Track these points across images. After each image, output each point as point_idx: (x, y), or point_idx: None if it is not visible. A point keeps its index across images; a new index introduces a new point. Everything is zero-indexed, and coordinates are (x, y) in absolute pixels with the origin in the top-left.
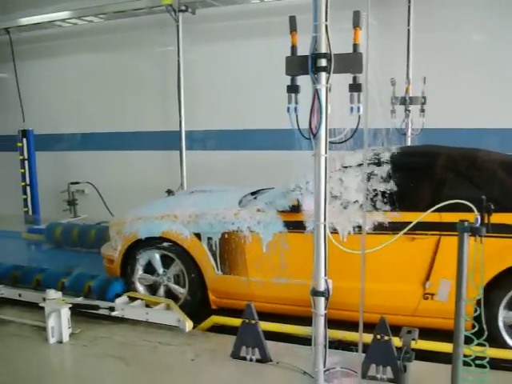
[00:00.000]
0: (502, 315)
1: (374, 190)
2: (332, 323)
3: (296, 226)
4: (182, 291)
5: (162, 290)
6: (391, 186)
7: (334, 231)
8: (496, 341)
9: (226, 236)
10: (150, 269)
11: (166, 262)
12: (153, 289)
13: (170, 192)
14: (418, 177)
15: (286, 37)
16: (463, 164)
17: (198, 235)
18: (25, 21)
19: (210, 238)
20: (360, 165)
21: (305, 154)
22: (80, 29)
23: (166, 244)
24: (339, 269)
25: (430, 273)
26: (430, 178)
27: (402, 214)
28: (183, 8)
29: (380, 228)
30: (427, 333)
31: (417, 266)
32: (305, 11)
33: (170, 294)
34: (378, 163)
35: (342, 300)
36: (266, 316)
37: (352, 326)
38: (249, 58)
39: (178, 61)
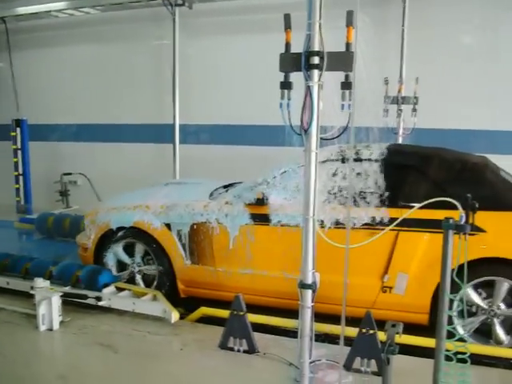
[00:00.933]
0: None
1: (339, 186)
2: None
3: (262, 219)
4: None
5: (137, 278)
6: (355, 182)
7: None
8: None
9: (195, 227)
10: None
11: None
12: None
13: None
14: (377, 174)
15: (282, 33)
16: (423, 163)
17: (168, 226)
18: (21, 10)
19: (179, 229)
20: (324, 161)
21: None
22: (76, 20)
23: (136, 234)
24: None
25: (388, 267)
26: (389, 175)
27: (362, 210)
28: (180, 2)
29: (336, 223)
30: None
31: (375, 260)
32: (301, 8)
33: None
34: (343, 160)
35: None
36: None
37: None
38: (244, 53)
39: (174, 54)
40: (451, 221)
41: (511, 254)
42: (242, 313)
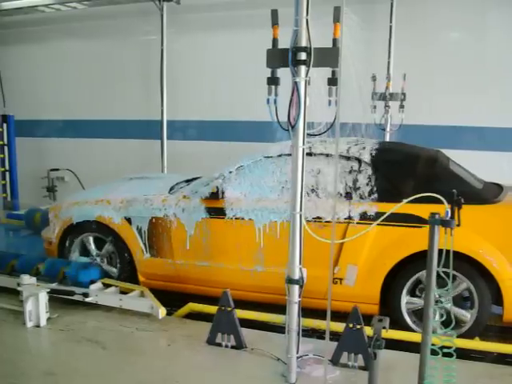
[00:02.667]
0: (405, 300)
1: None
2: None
3: (217, 212)
4: (114, 271)
5: None
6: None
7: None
8: (399, 324)
9: (154, 221)
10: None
11: (102, 244)
12: None
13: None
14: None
15: (269, 29)
16: (373, 157)
17: (128, 220)
18: (7, 5)
19: (139, 223)
20: (280, 155)
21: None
22: (63, 15)
23: (99, 228)
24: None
25: (338, 259)
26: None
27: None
28: None
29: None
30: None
31: (326, 252)
32: (289, 4)
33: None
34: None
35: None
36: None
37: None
38: (232, 49)
39: (162, 50)
40: (437, 216)
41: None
42: (229, 308)
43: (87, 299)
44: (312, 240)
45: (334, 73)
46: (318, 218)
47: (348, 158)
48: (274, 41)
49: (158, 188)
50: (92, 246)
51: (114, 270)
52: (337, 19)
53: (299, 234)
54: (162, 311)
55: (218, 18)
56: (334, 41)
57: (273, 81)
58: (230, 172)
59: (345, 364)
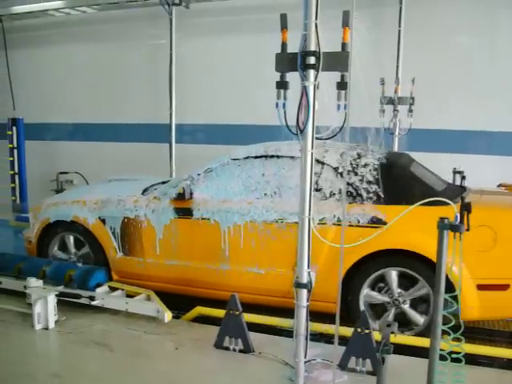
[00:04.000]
0: (364, 297)
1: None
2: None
3: (185, 213)
4: None
5: None
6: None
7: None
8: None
9: (126, 221)
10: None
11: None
12: None
13: None
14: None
15: (277, 34)
16: (335, 160)
17: (103, 220)
18: (18, 9)
19: (112, 223)
20: (246, 158)
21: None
22: (73, 19)
23: (75, 227)
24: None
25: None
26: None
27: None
28: (177, 1)
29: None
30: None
31: (287, 252)
32: (297, 9)
33: None
34: (265, 157)
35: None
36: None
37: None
38: (240, 53)
39: (171, 54)
40: (446, 221)
41: (407, 245)
42: (237, 312)
43: (93, 302)
44: (273, 241)
45: (343, 77)
46: (280, 219)
47: (319, 162)
48: (283, 45)
49: (132, 190)
50: (69, 246)
51: None
52: (346, 23)
53: (308, 237)
54: (168, 315)
55: (226, 23)
56: (343, 45)
57: (282, 85)
58: (198, 174)
59: (353, 369)
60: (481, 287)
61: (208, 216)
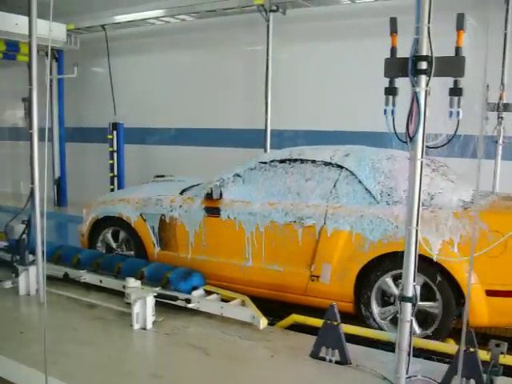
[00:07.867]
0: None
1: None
2: None
3: (213, 212)
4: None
5: None
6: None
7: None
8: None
9: (163, 218)
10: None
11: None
12: None
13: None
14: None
15: (374, 39)
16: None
17: (144, 217)
18: (120, 18)
19: (151, 220)
20: (272, 161)
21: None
22: (171, 27)
23: (120, 223)
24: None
25: (314, 257)
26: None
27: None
28: (274, 8)
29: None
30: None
31: (304, 251)
32: (391, 13)
33: None
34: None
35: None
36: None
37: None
38: (337, 59)
39: (267, 60)
40: None
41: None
42: (336, 323)
43: (189, 305)
44: (289, 239)
45: (456, 82)
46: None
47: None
48: (393, 49)
49: (172, 190)
50: (111, 240)
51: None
52: (460, 26)
53: (415, 249)
54: (263, 321)
55: (322, 28)
56: (457, 49)
57: (391, 91)
58: (228, 177)
59: None
60: (490, 293)
61: (235, 216)
